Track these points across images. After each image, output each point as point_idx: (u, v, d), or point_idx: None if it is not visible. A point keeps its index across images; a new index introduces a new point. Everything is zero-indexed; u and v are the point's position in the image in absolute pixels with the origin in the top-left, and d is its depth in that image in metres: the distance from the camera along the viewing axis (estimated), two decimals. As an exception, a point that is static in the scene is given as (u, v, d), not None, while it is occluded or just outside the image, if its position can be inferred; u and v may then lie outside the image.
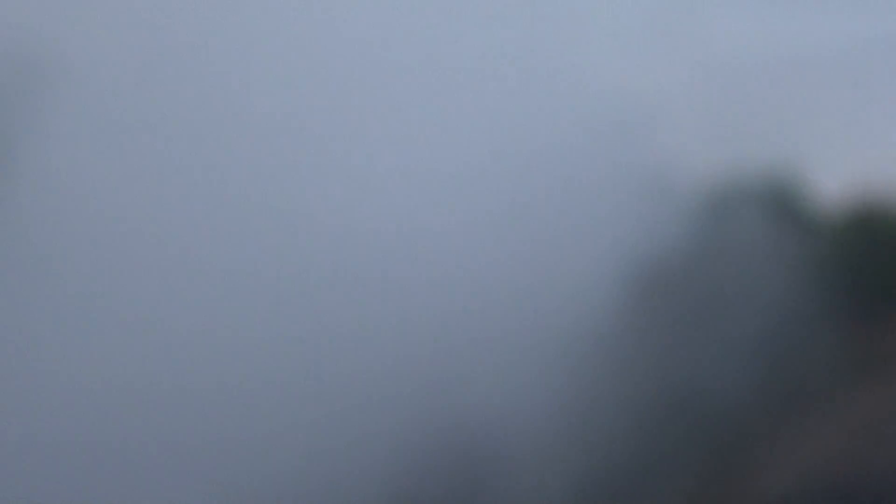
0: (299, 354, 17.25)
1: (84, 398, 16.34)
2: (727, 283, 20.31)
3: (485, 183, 18.39)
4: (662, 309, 19.76)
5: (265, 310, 17.07)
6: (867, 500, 14.49)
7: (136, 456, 16.52)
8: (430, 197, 17.80)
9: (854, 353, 18.46)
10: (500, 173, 18.57)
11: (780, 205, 23.83)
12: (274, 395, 17.18)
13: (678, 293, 20.12)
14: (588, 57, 20.46)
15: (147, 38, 17.72)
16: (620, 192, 19.39)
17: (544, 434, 19.57)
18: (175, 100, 17.54)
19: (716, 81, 19.17)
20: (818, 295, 21.43)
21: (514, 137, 19.16)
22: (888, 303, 20.93)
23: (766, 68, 19.87)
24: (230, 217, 17.74)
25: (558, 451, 19.49)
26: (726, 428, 18.13)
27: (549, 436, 19.83)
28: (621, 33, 19.82)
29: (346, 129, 18.30)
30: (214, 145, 17.69)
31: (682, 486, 17.28)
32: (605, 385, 19.04)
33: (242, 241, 17.56)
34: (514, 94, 19.49)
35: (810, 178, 19.19)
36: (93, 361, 16.54)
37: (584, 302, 18.42)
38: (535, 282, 18.60)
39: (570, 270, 18.69)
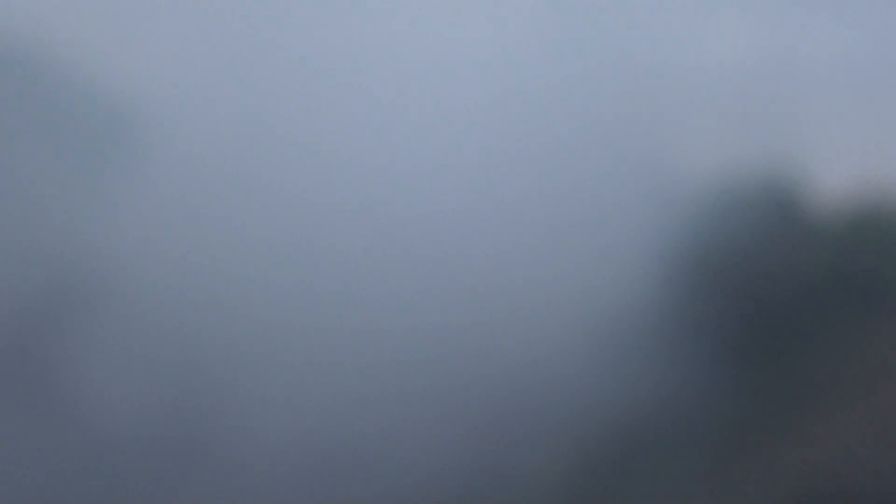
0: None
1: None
2: (730, 282, 20.32)
3: (496, 177, 18.39)
4: (667, 305, 19.73)
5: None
6: (867, 500, 14.49)
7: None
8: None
9: (854, 353, 18.47)
10: (512, 168, 18.58)
11: (782, 204, 23.96)
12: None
13: (682, 289, 20.10)
14: (592, 54, 20.47)
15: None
16: (627, 189, 19.35)
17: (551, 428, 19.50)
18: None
19: (719, 79, 19.22)
20: (819, 295, 21.51)
21: (524, 131, 19.18)
22: (888, 303, 21.02)
23: (769, 66, 19.94)
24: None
25: (564, 446, 19.42)
26: (727, 428, 18.08)
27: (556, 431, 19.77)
28: (623, 31, 19.86)
29: (364, 121, 18.41)
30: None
31: (682, 485, 17.20)
32: (610, 382, 18.98)
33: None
34: (525, 90, 19.52)
35: (812, 178, 19.24)
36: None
37: (594, 299, 18.37)
38: (546, 278, 18.55)
39: (576, 267, 18.64)
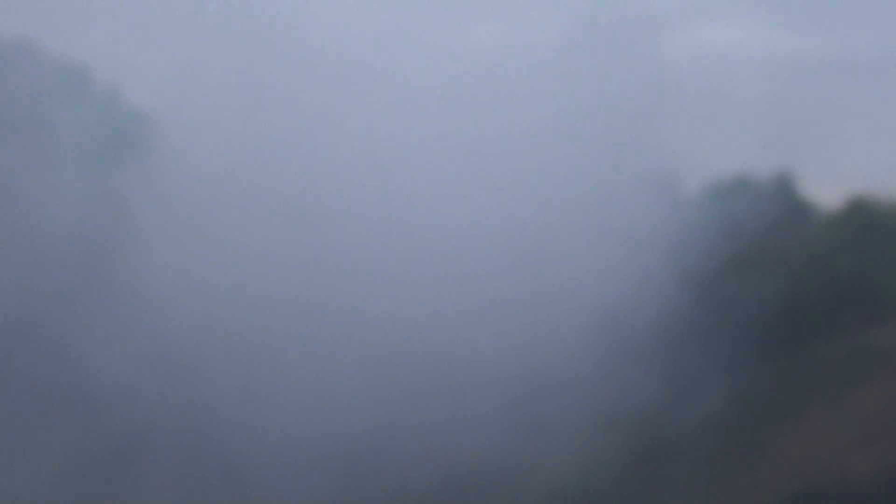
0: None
1: None
2: (732, 281, 20.21)
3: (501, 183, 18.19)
4: (671, 304, 19.65)
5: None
6: (868, 499, 14.43)
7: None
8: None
9: (854, 352, 18.38)
10: (518, 176, 18.40)
11: (783, 204, 23.75)
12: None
13: (685, 289, 20.01)
14: (593, 54, 20.37)
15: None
16: (630, 190, 19.28)
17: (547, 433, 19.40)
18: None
19: (721, 82, 19.12)
20: (818, 293, 21.36)
21: (528, 142, 19.02)
22: (888, 303, 20.85)
23: (771, 70, 19.84)
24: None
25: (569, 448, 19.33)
26: (728, 428, 18.03)
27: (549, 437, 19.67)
28: (625, 31, 19.75)
29: (378, 138, 18.12)
30: None
31: (687, 484, 17.18)
32: (611, 381, 18.90)
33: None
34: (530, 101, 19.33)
35: (811, 178, 19.21)
36: None
37: (600, 298, 18.26)
38: (551, 277, 18.38)
39: (584, 267, 18.54)
